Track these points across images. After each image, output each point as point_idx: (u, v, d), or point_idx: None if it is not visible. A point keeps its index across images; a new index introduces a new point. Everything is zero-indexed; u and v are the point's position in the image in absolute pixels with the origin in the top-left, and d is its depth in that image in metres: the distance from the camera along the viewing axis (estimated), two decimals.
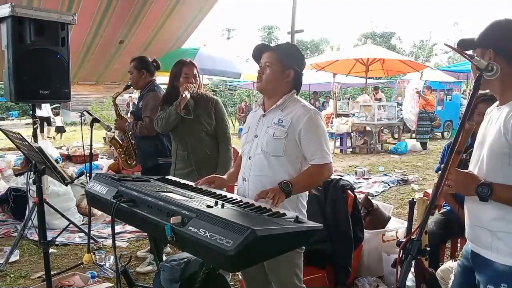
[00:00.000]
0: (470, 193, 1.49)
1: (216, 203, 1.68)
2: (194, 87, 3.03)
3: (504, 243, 1.48)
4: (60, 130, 16.21)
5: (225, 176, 2.32)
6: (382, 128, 11.22)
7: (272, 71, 2.08)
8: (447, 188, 1.51)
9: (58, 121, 16.34)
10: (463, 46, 1.53)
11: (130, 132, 3.67)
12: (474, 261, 1.61)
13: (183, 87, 2.98)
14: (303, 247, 2.08)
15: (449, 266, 2.49)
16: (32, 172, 2.59)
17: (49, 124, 16.32)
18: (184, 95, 2.93)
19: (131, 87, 3.74)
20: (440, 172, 1.49)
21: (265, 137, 2.08)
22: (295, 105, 2.09)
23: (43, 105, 15.51)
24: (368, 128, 10.68)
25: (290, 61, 2.09)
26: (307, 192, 2.18)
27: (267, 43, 2.22)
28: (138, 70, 3.56)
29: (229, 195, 2.00)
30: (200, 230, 1.44)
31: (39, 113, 16.83)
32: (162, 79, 4.69)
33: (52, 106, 23.58)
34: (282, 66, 2.08)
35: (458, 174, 1.49)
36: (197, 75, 3.12)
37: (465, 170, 1.53)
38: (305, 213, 2.12)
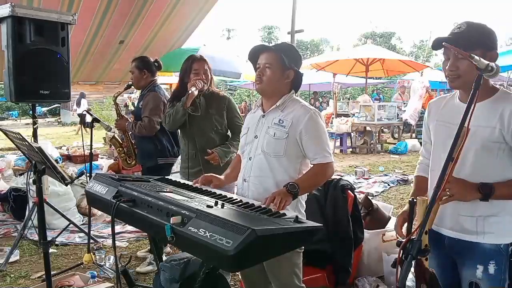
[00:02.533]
0: (473, 196, 1.52)
1: (216, 203, 1.68)
2: (204, 83, 2.95)
3: (490, 225, 1.56)
4: (89, 125, 16.40)
5: (222, 176, 2.30)
6: (382, 128, 11.21)
7: (273, 72, 2.06)
8: (449, 198, 1.52)
9: (88, 117, 16.50)
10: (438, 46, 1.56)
11: (130, 132, 3.66)
12: (453, 248, 1.67)
13: (191, 83, 2.91)
14: (302, 247, 2.08)
15: None
16: (32, 172, 2.59)
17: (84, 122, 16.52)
18: (190, 91, 2.86)
19: (132, 86, 3.73)
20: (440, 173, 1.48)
21: (266, 138, 2.08)
22: (295, 105, 2.10)
23: (81, 102, 15.65)
24: (368, 128, 10.67)
25: (290, 61, 2.08)
26: None
27: (265, 44, 2.20)
28: (140, 70, 3.55)
29: (229, 195, 2.00)
30: (200, 230, 1.44)
31: (78, 110, 16.82)
32: (161, 79, 4.69)
33: (52, 106, 23.68)
34: (283, 67, 2.07)
35: (458, 182, 1.52)
36: (208, 71, 3.02)
37: (460, 178, 1.55)
38: (304, 212, 2.13)
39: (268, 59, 2.07)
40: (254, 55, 2.15)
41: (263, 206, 1.81)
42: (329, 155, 2.04)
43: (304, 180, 2.01)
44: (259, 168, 2.08)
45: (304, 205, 2.16)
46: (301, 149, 2.06)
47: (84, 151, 4.18)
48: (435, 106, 1.82)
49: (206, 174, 2.25)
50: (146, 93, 3.52)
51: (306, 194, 2.18)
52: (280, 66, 2.06)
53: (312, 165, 2.07)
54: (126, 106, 11.92)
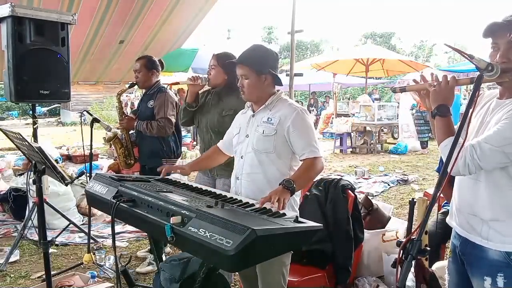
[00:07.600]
0: (436, 102, 1.52)
1: (216, 203, 1.68)
2: (204, 77, 2.92)
3: (496, 230, 1.50)
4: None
5: (185, 166, 2.39)
6: (382, 128, 11.21)
7: (250, 82, 2.15)
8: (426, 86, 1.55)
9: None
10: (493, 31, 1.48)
11: (132, 131, 3.64)
12: (464, 253, 1.62)
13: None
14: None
15: (446, 265, 2.48)
16: (32, 172, 2.59)
17: None
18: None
19: (136, 86, 3.69)
20: (440, 171, 1.48)
21: (255, 136, 2.15)
22: (283, 104, 2.18)
23: None
24: (368, 128, 10.67)
25: (263, 67, 2.14)
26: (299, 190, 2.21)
27: (239, 55, 2.22)
28: (149, 69, 3.53)
29: (229, 195, 2.01)
30: (200, 230, 1.44)
31: None
32: (161, 79, 4.69)
33: (52, 106, 23.66)
34: (258, 74, 2.14)
35: (447, 84, 1.51)
36: (216, 67, 2.86)
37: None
38: (298, 210, 2.17)
39: (243, 71, 2.16)
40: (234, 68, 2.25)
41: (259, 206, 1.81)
42: (317, 150, 2.08)
43: (297, 176, 2.04)
44: (250, 166, 2.14)
45: (298, 203, 2.21)
46: (290, 146, 2.11)
47: (84, 151, 4.17)
48: (487, 97, 1.66)
49: (166, 166, 2.36)
50: (157, 94, 3.48)
51: (300, 192, 2.23)
52: (255, 75, 2.14)
53: (302, 161, 2.11)
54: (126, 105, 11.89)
